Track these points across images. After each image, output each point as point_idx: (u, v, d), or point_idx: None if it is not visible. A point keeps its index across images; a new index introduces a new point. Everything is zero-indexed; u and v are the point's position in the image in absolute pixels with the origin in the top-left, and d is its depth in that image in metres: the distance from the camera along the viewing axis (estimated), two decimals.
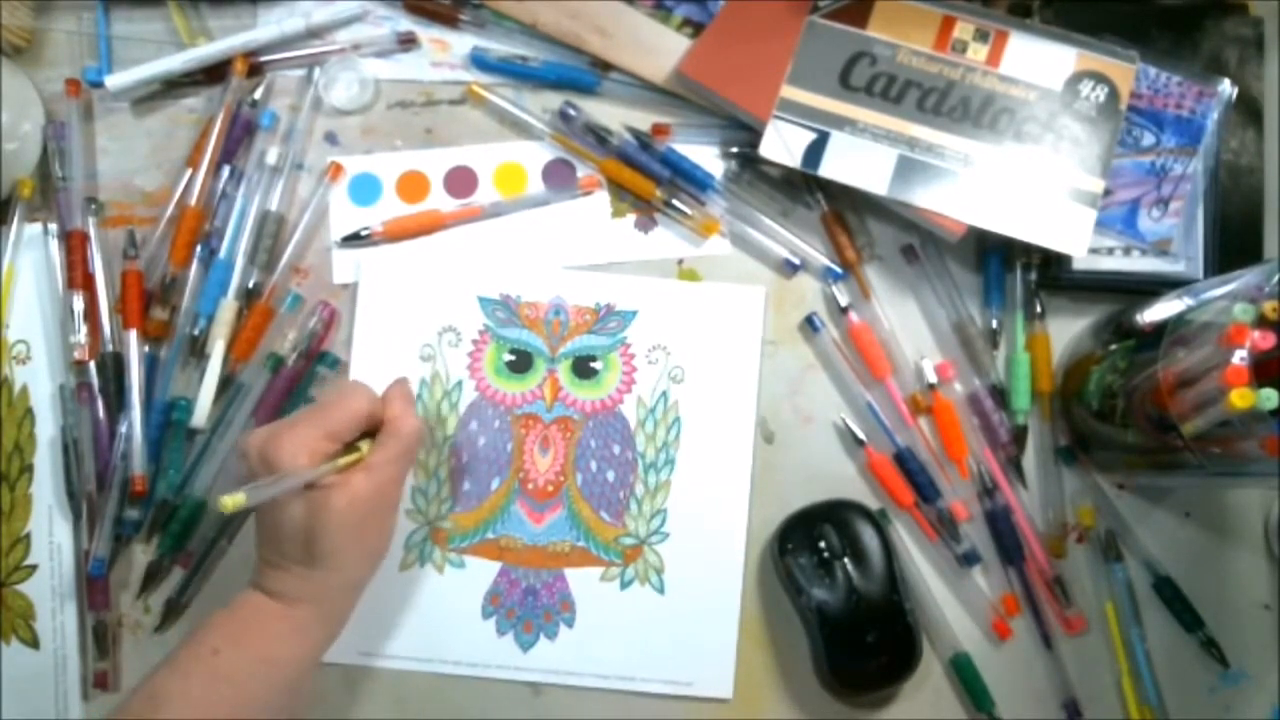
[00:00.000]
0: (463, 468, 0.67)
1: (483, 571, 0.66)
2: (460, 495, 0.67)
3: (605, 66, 0.70)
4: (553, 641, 0.65)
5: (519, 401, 0.67)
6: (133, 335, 0.66)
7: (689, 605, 0.65)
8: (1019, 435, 0.67)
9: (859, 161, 0.66)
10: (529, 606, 0.66)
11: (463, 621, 0.65)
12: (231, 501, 0.50)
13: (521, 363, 0.68)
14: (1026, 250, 0.67)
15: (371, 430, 0.59)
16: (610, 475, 0.67)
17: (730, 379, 0.67)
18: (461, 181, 0.70)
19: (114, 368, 0.66)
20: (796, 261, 0.69)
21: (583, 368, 0.68)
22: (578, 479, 0.67)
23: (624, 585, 0.66)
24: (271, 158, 0.68)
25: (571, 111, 0.69)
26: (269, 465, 0.55)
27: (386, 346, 0.67)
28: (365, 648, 0.65)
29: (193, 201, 0.68)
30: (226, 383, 0.67)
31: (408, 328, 0.68)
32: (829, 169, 0.66)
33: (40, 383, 0.67)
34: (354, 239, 0.68)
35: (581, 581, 0.66)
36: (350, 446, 0.58)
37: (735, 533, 0.66)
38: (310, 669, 0.58)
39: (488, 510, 0.67)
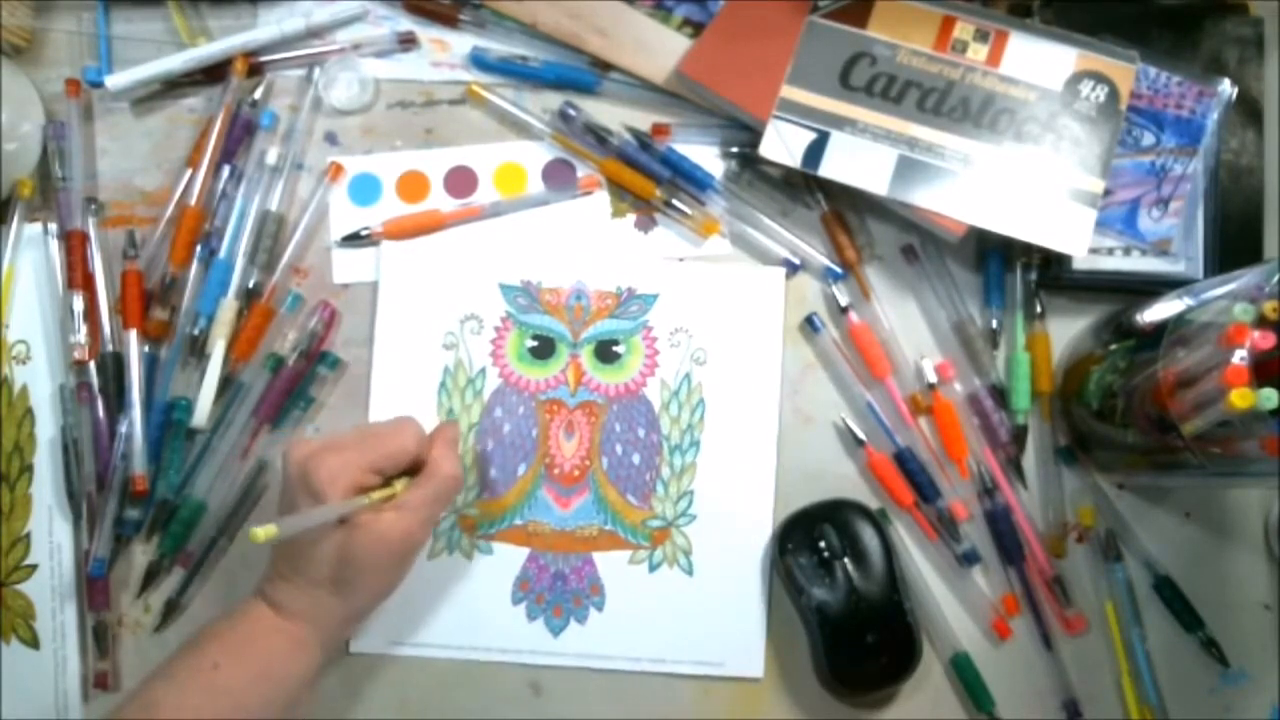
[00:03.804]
0: (488, 455, 0.67)
1: (511, 557, 0.66)
2: (487, 482, 0.67)
3: (605, 66, 0.70)
4: (583, 625, 0.65)
5: (543, 387, 0.68)
6: (133, 335, 0.66)
7: (718, 586, 0.66)
8: (1019, 435, 0.67)
9: (859, 161, 0.66)
10: (558, 591, 0.66)
11: (493, 608, 0.66)
12: (264, 533, 0.50)
13: (544, 348, 0.68)
14: (1026, 250, 0.67)
15: (411, 469, 0.59)
16: (636, 458, 0.67)
17: (753, 359, 0.67)
18: (461, 181, 0.70)
19: (114, 368, 0.66)
20: (796, 261, 0.69)
21: (605, 352, 0.68)
22: (603, 463, 0.67)
23: (652, 568, 0.66)
24: (271, 158, 0.68)
25: (571, 111, 0.69)
26: (305, 481, 0.56)
27: (409, 336, 0.68)
28: (395, 636, 0.65)
29: (193, 201, 0.68)
30: (227, 383, 0.67)
31: (430, 317, 0.68)
32: (829, 169, 0.66)
33: (40, 383, 0.67)
34: (354, 239, 0.68)
35: (610, 565, 0.66)
36: (386, 482, 0.58)
37: (762, 511, 0.66)
38: (307, 687, 0.58)
39: (515, 496, 0.67)
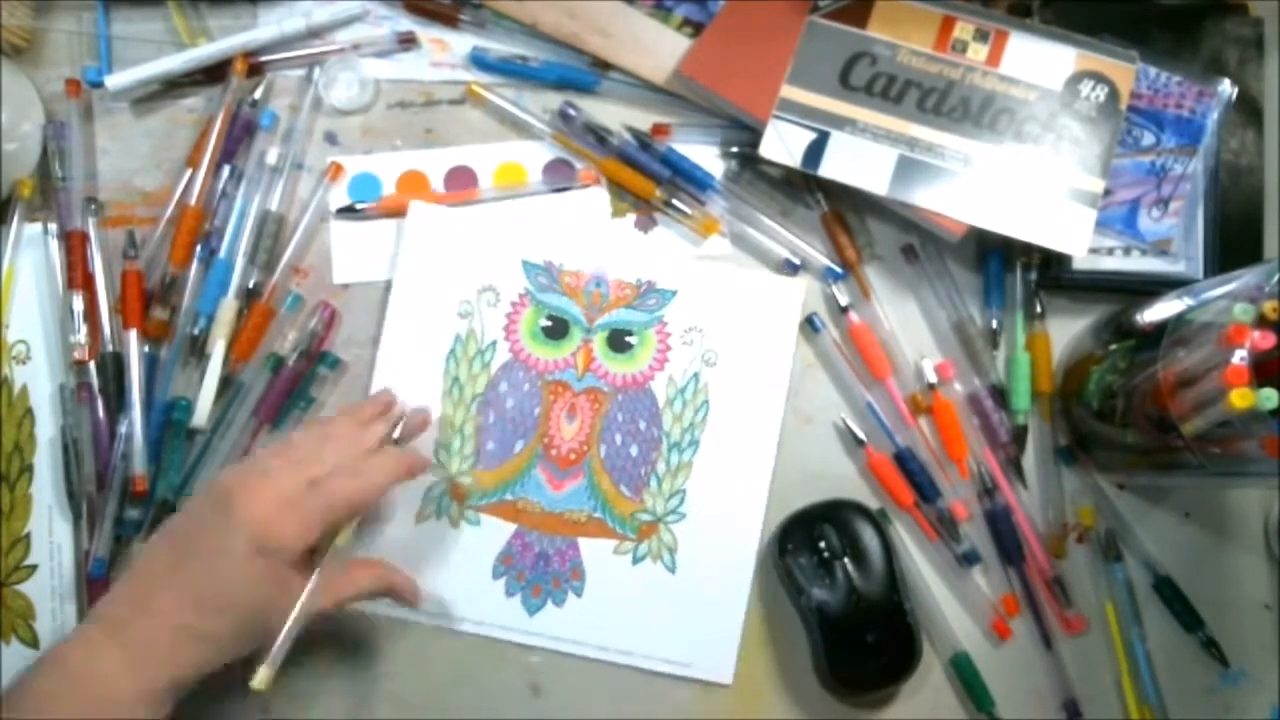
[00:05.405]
0: (488, 427, 0.67)
1: (498, 531, 0.66)
2: (484, 453, 0.67)
3: (605, 66, 0.70)
4: (560, 608, 0.65)
5: (551, 368, 0.68)
6: (133, 335, 0.66)
7: (698, 587, 0.66)
8: (1019, 435, 0.67)
9: (859, 161, 0.66)
10: (540, 571, 0.66)
11: (473, 579, 0.66)
12: (262, 681, 0.53)
13: (558, 329, 0.68)
14: (1026, 250, 0.67)
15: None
16: (634, 450, 0.67)
17: (763, 368, 0.67)
18: (461, 181, 0.70)
19: (114, 368, 0.66)
20: (796, 261, 0.69)
21: (618, 341, 0.68)
22: (601, 450, 0.67)
23: (636, 560, 0.66)
24: (271, 158, 0.68)
25: (571, 111, 0.69)
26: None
27: (425, 298, 0.68)
28: None
29: (193, 201, 0.68)
30: (227, 383, 0.67)
31: (448, 282, 0.68)
32: (829, 169, 0.66)
33: (40, 383, 0.67)
34: (348, 211, 0.69)
35: (594, 552, 0.66)
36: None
37: (752, 521, 0.66)
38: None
39: (509, 471, 0.67)
